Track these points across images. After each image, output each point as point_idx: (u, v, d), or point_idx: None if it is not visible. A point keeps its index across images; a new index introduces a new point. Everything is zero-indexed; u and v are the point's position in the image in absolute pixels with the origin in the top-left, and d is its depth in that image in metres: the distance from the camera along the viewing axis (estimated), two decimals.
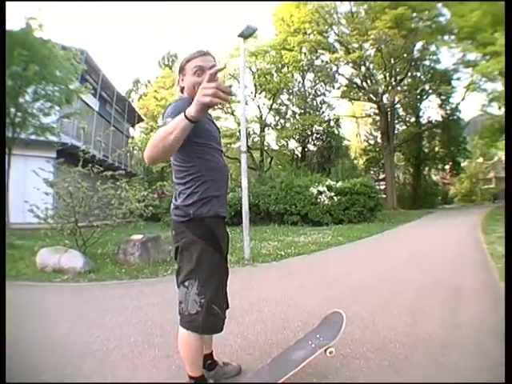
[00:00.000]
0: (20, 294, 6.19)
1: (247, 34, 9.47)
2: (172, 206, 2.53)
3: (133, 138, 37.07)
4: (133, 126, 38.23)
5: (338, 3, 30.61)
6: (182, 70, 2.50)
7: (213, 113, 30.12)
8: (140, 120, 38.07)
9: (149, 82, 48.21)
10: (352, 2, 30.12)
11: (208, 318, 2.40)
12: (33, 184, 9.26)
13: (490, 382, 2.69)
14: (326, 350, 2.75)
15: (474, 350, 3.28)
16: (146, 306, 5.16)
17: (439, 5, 25.86)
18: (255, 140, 32.73)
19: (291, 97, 34.43)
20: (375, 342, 3.64)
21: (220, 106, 30.46)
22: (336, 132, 36.18)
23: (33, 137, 12.25)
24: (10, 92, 10.72)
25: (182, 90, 2.53)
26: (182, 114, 1.92)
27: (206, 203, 2.40)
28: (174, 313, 2.57)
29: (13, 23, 10.42)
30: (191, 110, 1.89)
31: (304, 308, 3.46)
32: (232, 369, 3.02)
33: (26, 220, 10.97)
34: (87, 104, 20.83)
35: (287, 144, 36.53)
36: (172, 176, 2.59)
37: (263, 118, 32.53)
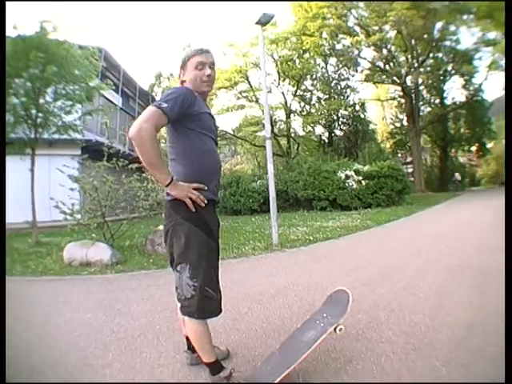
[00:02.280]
0: (46, 288, 6.28)
1: (264, 21, 9.43)
2: None
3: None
4: None
5: None
6: (183, 66, 2.73)
7: (237, 101, 30.11)
8: None
9: (171, 75, 48.23)
10: None
11: (203, 301, 2.43)
12: (58, 182, 9.32)
13: (490, 382, 2.64)
14: (335, 328, 2.71)
15: (499, 334, 3.20)
16: (172, 294, 5.08)
17: None
18: (281, 127, 32.77)
19: (315, 82, 34.14)
20: (401, 325, 3.60)
21: (244, 95, 30.57)
22: (362, 116, 35.86)
23: (56, 136, 12.31)
24: (29, 94, 10.93)
25: (182, 82, 2.76)
26: (169, 180, 2.37)
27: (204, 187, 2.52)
28: None
29: (27, 28, 10.55)
30: (172, 190, 2.43)
31: (330, 292, 3.43)
32: (219, 353, 2.97)
33: (53, 217, 11.08)
34: (110, 100, 20.92)
35: (313, 130, 36.35)
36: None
37: (288, 105, 32.39)
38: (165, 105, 2.33)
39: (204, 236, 2.46)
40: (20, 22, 10.43)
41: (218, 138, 3.04)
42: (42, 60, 10.12)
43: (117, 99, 23.01)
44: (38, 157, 12.00)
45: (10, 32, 10.30)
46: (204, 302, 2.42)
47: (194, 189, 2.43)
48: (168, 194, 2.53)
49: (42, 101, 11.22)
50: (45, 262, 8.22)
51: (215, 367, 2.57)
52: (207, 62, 2.66)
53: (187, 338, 2.90)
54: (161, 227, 8.70)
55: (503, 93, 27.04)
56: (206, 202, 2.44)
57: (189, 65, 2.66)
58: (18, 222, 11.13)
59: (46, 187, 12.77)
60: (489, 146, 47.02)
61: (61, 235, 10.73)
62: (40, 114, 11.29)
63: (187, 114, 2.45)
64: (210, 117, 2.70)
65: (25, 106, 10.98)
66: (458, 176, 44.46)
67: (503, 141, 52.00)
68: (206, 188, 2.49)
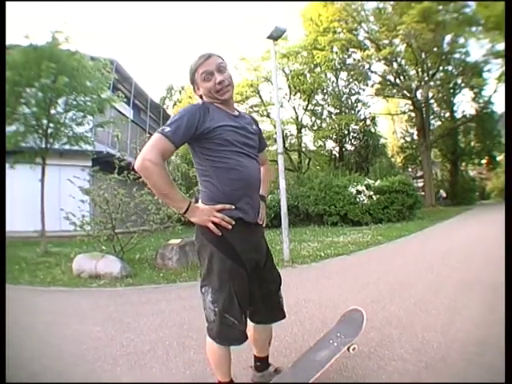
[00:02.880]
0: (54, 298, 6.30)
1: (276, 36, 9.45)
2: None
3: None
4: None
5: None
6: (192, 81, 2.53)
7: None
8: None
9: (182, 88, 48.59)
10: None
11: (222, 327, 2.33)
12: (68, 192, 9.36)
13: (490, 382, 2.63)
14: (348, 348, 2.67)
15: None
16: (182, 309, 5.13)
17: None
18: (292, 142, 32.78)
19: (326, 97, 34.18)
20: (412, 342, 3.55)
21: (256, 109, 30.67)
22: (372, 130, 36.01)
23: (67, 146, 12.37)
24: (41, 104, 10.98)
25: (201, 97, 2.53)
26: (185, 207, 2.26)
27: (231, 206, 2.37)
28: None
29: (39, 38, 10.62)
30: (191, 217, 2.31)
31: (342, 309, 3.38)
32: (266, 374, 2.89)
33: (62, 228, 11.10)
34: (121, 112, 21.03)
35: (324, 144, 36.33)
36: None
37: (299, 119, 32.45)
38: (167, 129, 2.20)
39: (227, 260, 2.32)
40: (32, 32, 10.51)
41: None
42: (54, 70, 10.19)
43: (128, 111, 23.17)
44: (48, 167, 12.07)
45: (21, 41, 10.41)
46: (223, 329, 2.33)
47: (219, 210, 2.30)
48: None
49: (53, 111, 11.30)
50: (53, 272, 8.26)
51: None
52: (213, 68, 2.40)
53: (255, 358, 2.88)
54: (171, 241, 8.72)
55: None
56: (233, 223, 2.29)
57: (197, 78, 2.46)
58: (26, 231, 11.17)
59: (55, 197, 12.87)
60: (499, 158, 46.86)
61: (70, 246, 10.76)
62: (51, 125, 11.38)
63: (199, 134, 2.28)
64: (235, 126, 2.45)
65: (36, 115, 11.08)
66: (443, 193, 44.73)
67: None
68: (234, 207, 2.34)
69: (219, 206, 2.31)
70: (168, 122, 2.26)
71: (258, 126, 2.75)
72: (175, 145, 2.21)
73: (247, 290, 2.43)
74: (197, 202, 7.13)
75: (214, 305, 2.33)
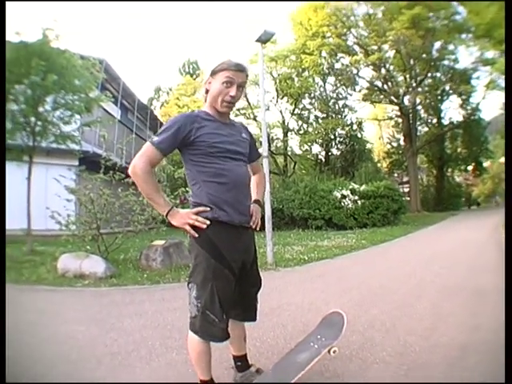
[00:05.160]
0: (39, 297, 6.30)
1: (265, 39, 9.47)
2: None
3: None
4: (155, 133, 38.56)
5: (354, 5, 30.66)
6: (214, 73, 2.54)
7: (235, 118, 30.24)
8: None
9: (170, 89, 48.43)
10: (369, 4, 30.06)
11: (203, 323, 2.40)
12: (54, 191, 9.33)
13: (490, 382, 2.67)
14: (329, 351, 2.70)
15: (494, 354, 3.20)
16: (166, 310, 5.15)
17: (455, 3, 25.79)
18: (278, 145, 32.89)
19: (313, 101, 34.35)
20: (395, 346, 3.58)
21: (243, 112, 30.73)
22: (359, 135, 36.09)
23: (54, 145, 12.30)
24: (29, 101, 10.92)
25: (206, 91, 2.59)
26: (167, 210, 2.43)
27: (202, 207, 2.46)
28: None
29: (29, 35, 10.58)
30: (171, 220, 2.46)
31: (325, 312, 3.39)
32: (249, 373, 2.92)
33: (48, 227, 11.04)
34: (108, 112, 20.98)
35: (310, 148, 36.51)
36: None
37: (286, 123, 32.66)
38: (155, 139, 2.40)
39: (211, 260, 2.41)
40: (22, 28, 10.45)
41: None
42: (43, 68, 10.15)
43: (115, 111, 23.06)
44: (35, 165, 12.01)
45: (12, 37, 10.35)
46: (205, 325, 2.39)
47: (196, 213, 2.41)
48: None
49: (41, 109, 11.24)
50: (39, 271, 8.22)
51: None
52: (237, 81, 2.48)
53: (234, 358, 2.92)
54: (156, 242, 8.72)
55: (500, 112, 27.16)
56: (207, 223, 2.38)
57: (218, 76, 2.49)
58: (12, 229, 11.13)
59: (42, 196, 12.79)
60: (485, 164, 47.23)
61: (55, 245, 10.69)
62: (39, 123, 11.30)
63: (187, 142, 2.43)
64: (223, 134, 2.54)
65: (24, 113, 11.01)
66: None
67: (500, 160, 52.23)
68: (209, 209, 2.42)
69: (195, 210, 2.44)
70: (158, 131, 2.45)
71: (250, 135, 2.85)
72: (162, 153, 2.41)
73: (231, 291, 2.49)
74: (182, 203, 7.19)
75: (197, 301, 2.41)
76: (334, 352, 2.70)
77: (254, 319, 2.79)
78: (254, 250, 2.78)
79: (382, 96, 35.09)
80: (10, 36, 10.43)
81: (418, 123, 39.78)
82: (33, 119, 11.18)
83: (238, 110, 30.96)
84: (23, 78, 10.49)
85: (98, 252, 8.79)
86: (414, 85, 33.15)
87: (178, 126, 2.40)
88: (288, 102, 31.98)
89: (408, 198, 33.66)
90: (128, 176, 8.10)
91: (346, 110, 35.52)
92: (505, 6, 5.00)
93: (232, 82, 2.46)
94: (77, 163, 14.01)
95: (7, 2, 4.05)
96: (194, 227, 2.40)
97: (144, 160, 2.35)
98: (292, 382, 2.51)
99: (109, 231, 9.40)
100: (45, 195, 12.90)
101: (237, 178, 2.50)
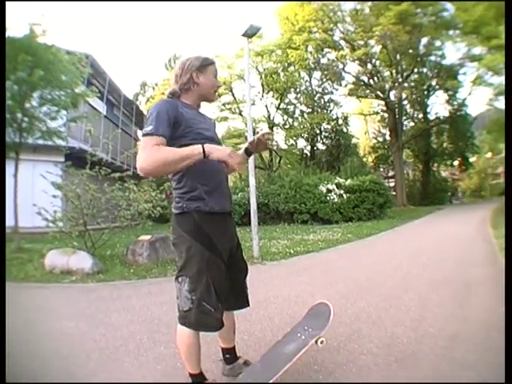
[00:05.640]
0: (27, 294, 6.27)
1: (251, 34, 9.48)
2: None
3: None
4: (141, 128, 38.34)
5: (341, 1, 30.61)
6: (202, 68, 2.62)
7: (220, 113, 30.13)
8: None
9: (156, 84, 48.16)
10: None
11: (199, 315, 2.39)
12: (41, 188, 9.28)
13: (490, 382, 2.68)
14: (316, 341, 2.72)
15: (482, 345, 3.25)
16: (153, 304, 5.17)
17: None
18: None
19: (299, 96, 34.36)
20: (382, 337, 3.61)
21: (228, 107, 30.67)
22: (344, 130, 36.10)
23: (40, 141, 12.24)
24: (16, 97, 10.84)
25: (197, 84, 2.62)
26: (200, 148, 2.21)
27: (193, 198, 2.45)
28: None
29: (16, 30, 10.47)
30: (212, 153, 2.23)
31: (311, 305, 3.42)
32: (237, 365, 2.96)
33: (35, 224, 11.00)
34: (94, 108, 20.93)
35: (296, 143, 36.55)
36: None
37: (271, 118, 32.62)
38: (150, 128, 2.24)
39: (205, 251, 2.41)
40: (9, 23, 10.37)
41: None
42: (30, 63, 10.10)
43: (101, 107, 22.98)
44: (22, 162, 11.95)
45: None
46: (201, 317, 2.39)
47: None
48: (175, 208, 2.52)
49: (27, 105, 11.17)
50: (26, 268, 8.19)
51: (198, 378, 2.58)
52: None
53: (223, 350, 2.94)
54: (142, 237, 8.72)
55: (487, 107, 27.29)
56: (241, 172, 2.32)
57: (209, 70, 2.65)
58: None
59: (29, 193, 12.69)
60: (471, 160, 47.50)
61: (43, 242, 10.65)
62: (25, 119, 11.24)
63: (175, 124, 2.35)
64: (203, 122, 2.61)
65: (10, 109, 10.91)
66: None
67: (486, 155, 52.63)
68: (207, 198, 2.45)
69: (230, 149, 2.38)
70: (148, 122, 2.31)
71: (214, 124, 2.93)
72: (165, 136, 2.26)
73: (223, 279, 2.52)
74: (168, 197, 7.19)
75: (191, 294, 2.39)
76: (322, 343, 2.72)
77: (248, 305, 2.82)
78: (236, 236, 2.81)
79: (367, 91, 35.17)
80: None
81: (404, 118, 39.79)
82: (19, 115, 11.11)
83: (224, 104, 31.03)
84: (10, 74, 10.38)
85: (85, 248, 8.77)
86: (400, 80, 33.19)
87: (167, 109, 2.36)
88: (274, 96, 31.91)
89: (394, 193, 33.74)
90: (114, 171, 8.05)
91: (332, 104, 35.53)
92: (505, 6, 5.03)
93: (216, 74, 2.74)
94: (63, 159, 13.93)
95: None
96: (184, 219, 2.46)
97: (149, 153, 2.17)
98: (279, 373, 2.53)
99: (95, 227, 9.38)
100: (32, 192, 12.82)
101: (219, 166, 2.49)
